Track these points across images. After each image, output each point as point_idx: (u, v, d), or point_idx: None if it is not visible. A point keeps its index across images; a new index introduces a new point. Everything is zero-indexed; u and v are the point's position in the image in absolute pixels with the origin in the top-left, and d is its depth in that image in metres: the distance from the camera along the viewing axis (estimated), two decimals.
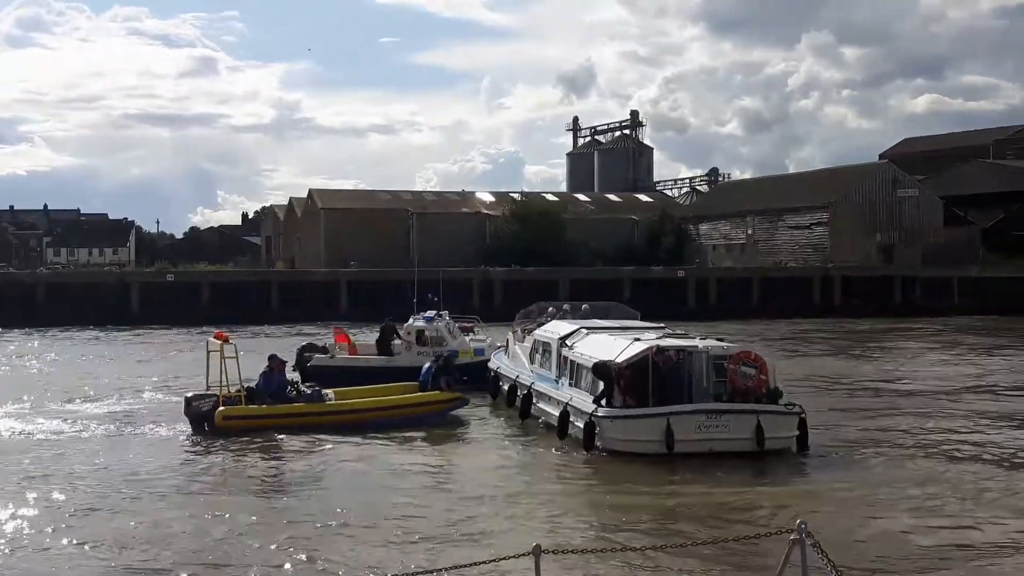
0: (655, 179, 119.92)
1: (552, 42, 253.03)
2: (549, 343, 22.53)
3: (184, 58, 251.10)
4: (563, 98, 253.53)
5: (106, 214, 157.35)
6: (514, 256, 70.64)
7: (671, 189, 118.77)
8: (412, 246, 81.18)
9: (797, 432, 18.35)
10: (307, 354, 27.39)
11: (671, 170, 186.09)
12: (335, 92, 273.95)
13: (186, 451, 19.74)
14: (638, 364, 18.25)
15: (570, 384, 20.55)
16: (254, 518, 14.54)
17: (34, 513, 14.90)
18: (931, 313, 58.35)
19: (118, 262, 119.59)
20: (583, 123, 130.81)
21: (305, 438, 20.15)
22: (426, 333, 28.09)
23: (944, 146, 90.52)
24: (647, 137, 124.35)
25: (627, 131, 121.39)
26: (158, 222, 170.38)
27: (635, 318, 25.90)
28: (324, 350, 28.10)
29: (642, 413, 17.97)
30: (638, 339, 19.27)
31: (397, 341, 28.34)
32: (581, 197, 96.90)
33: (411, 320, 29.08)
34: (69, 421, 22.79)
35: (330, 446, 19.70)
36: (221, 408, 20.62)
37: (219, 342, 20.59)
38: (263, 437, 20.15)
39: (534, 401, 21.97)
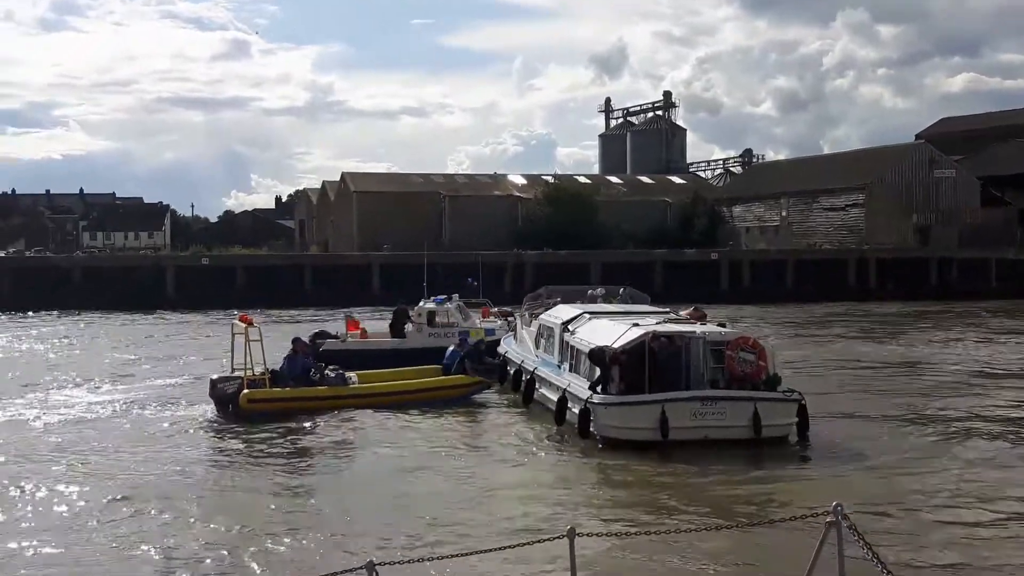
0: (688, 161, 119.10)
1: (584, 22, 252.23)
2: (552, 328, 22.30)
3: (217, 41, 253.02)
4: (595, 79, 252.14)
5: (141, 198, 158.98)
6: (546, 239, 70.51)
7: (704, 171, 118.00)
8: (444, 229, 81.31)
9: (796, 419, 17.98)
10: (319, 340, 27.33)
11: (704, 151, 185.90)
12: (367, 75, 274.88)
13: (210, 433, 19.90)
14: (634, 350, 17.97)
15: (570, 370, 20.34)
16: (276, 502, 14.61)
17: (49, 495, 15.07)
18: (968, 296, 57.66)
19: (154, 246, 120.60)
20: (615, 104, 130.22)
21: (328, 422, 20.21)
22: (437, 315, 28.07)
23: (982, 126, 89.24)
24: (680, 118, 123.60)
25: (660, 112, 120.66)
26: (192, 206, 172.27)
27: (645, 302, 25.53)
28: (336, 337, 28.08)
29: (636, 400, 17.67)
30: (637, 324, 18.96)
31: (410, 325, 28.29)
32: (613, 179, 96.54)
33: (422, 303, 29.12)
34: (93, 403, 23.09)
35: (351, 431, 19.74)
36: (245, 391, 20.72)
37: (243, 325, 20.70)
38: (286, 420, 20.23)
39: (537, 386, 21.78)
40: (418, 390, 22.47)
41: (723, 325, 20.17)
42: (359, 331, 29.06)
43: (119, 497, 14.88)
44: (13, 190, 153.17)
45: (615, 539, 10.71)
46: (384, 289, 56.76)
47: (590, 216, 77.96)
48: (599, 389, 18.06)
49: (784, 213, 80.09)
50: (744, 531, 11.33)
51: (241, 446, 18.72)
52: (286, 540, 12.70)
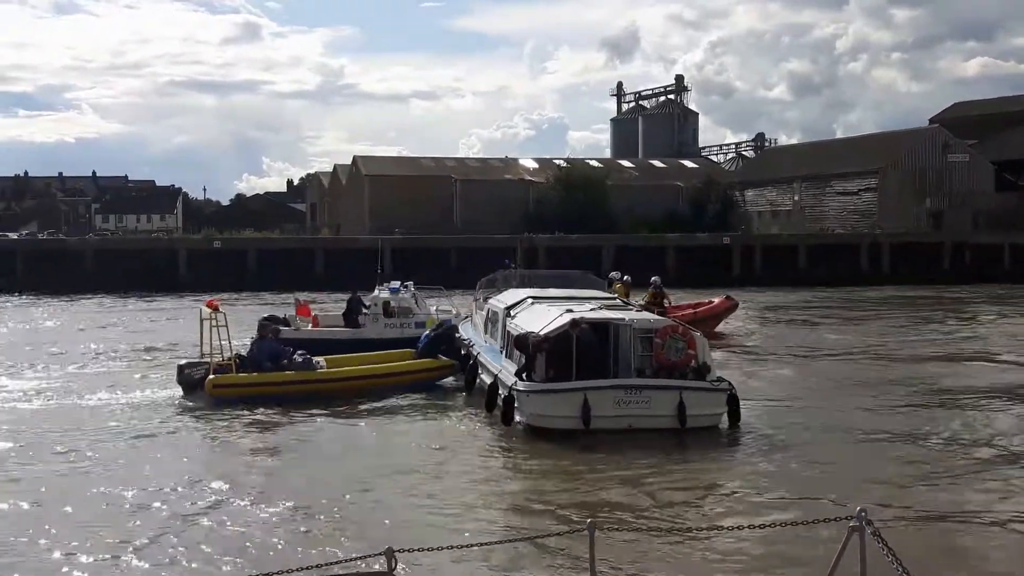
0: (700, 145, 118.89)
1: (596, 5, 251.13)
2: (497, 312, 21.81)
3: (228, 24, 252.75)
4: (607, 62, 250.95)
5: (153, 181, 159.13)
6: (558, 223, 70.42)
7: (717, 155, 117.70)
8: (456, 213, 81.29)
9: (725, 409, 17.53)
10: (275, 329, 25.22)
11: (716, 135, 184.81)
12: (378, 58, 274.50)
13: (173, 419, 19.47)
14: (558, 337, 17.55)
15: (506, 356, 19.92)
16: (265, 490, 14.23)
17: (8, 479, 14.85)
18: (981, 280, 57.39)
19: (166, 228, 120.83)
20: (627, 88, 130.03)
21: (291, 407, 19.82)
22: (392, 304, 27.49)
23: (995, 110, 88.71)
24: (692, 102, 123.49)
25: (672, 96, 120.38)
26: (204, 189, 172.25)
27: (600, 288, 25.02)
28: (286, 322, 26.78)
29: (558, 387, 17.27)
30: (569, 311, 18.47)
31: (364, 313, 27.57)
32: (625, 163, 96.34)
33: (376, 291, 28.39)
34: (63, 386, 22.92)
35: (319, 417, 19.36)
36: (211, 376, 20.53)
37: (209, 310, 20.50)
38: (251, 405, 19.89)
39: (479, 372, 21.30)
40: (386, 375, 22.02)
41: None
42: (311, 317, 28.21)
43: (60, 484, 14.43)
44: (26, 172, 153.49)
45: (634, 534, 10.58)
46: (396, 273, 56.81)
47: (602, 200, 77.78)
48: (524, 376, 17.69)
49: (797, 197, 79.85)
50: (757, 531, 11.09)
51: (201, 433, 18.40)
52: (291, 527, 12.43)
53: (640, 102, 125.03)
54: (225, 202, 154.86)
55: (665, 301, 32.61)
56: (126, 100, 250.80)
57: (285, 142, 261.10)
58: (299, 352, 22.09)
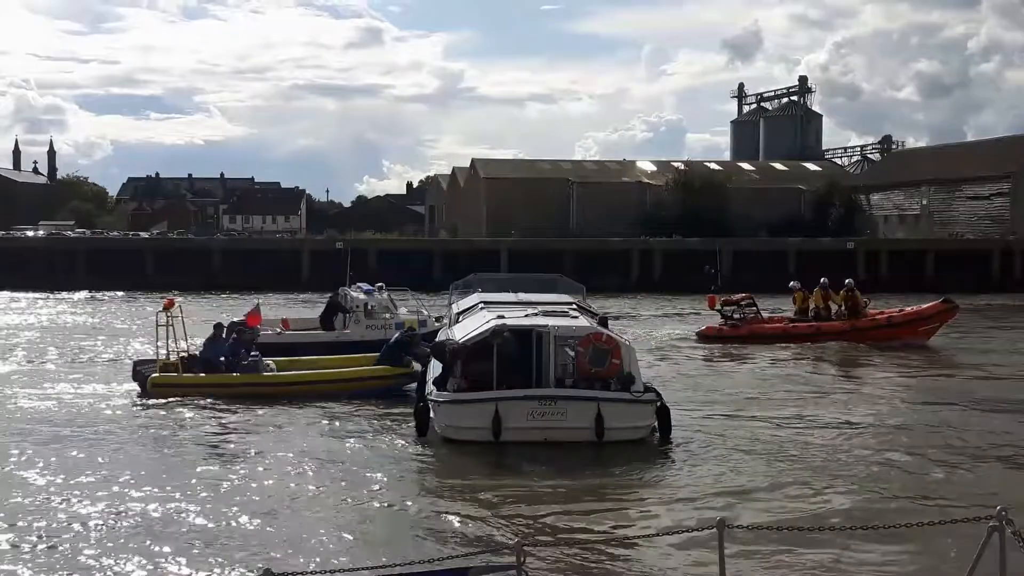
0: (824, 147, 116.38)
1: (716, 5, 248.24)
2: (452, 318, 21.37)
3: (351, 29, 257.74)
4: (727, 64, 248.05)
5: (278, 182, 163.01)
6: (675, 226, 69.72)
7: (840, 157, 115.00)
8: (572, 215, 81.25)
9: (652, 421, 16.75)
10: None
11: (841, 138, 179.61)
12: (496, 61, 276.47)
13: (119, 415, 19.41)
14: (475, 345, 16.91)
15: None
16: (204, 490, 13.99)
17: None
18: None
19: (290, 229, 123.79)
20: (748, 90, 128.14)
21: (225, 410, 19.58)
22: (370, 305, 27.14)
23: None
24: (816, 104, 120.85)
25: (795, 97, 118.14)
26: (327, 191, 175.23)
27: (577, 293, 23.37)
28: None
29: (469, 398, 16.56)
30: (501, 316, 17.71)
31: (340, 316, 27.23)
32: (745, 166, 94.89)
33: (352, 292, 27.95)
34: (30, 376, 23.44)
35: (237, 422, 18.89)
36: (153, 375, 20.62)
37: (163, 308, 20.69)
38: (196, 406, 19.72)
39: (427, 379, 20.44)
40: (338, 380, 21.45)
41: (581, 317, 18.44)
42: (283, 323, 27.96)
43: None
44: (157, 174, 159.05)
45: (765, 532, 10.39)
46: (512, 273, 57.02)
47: (721, 203, 76.74)
48: (440, 386, 17.06)
49: (924, 202, 77.46)
50: (890, 532, 10.77)
51: (142, 431, 18.11)
52: (407, 522, 12.47)
53: (762, 104, 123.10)
54: (347, 204, 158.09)
55: (863, 302, 30.66)
56: (251, 103, 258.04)
57: (405, 145, 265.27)
58: (252, 354, 21.87)
